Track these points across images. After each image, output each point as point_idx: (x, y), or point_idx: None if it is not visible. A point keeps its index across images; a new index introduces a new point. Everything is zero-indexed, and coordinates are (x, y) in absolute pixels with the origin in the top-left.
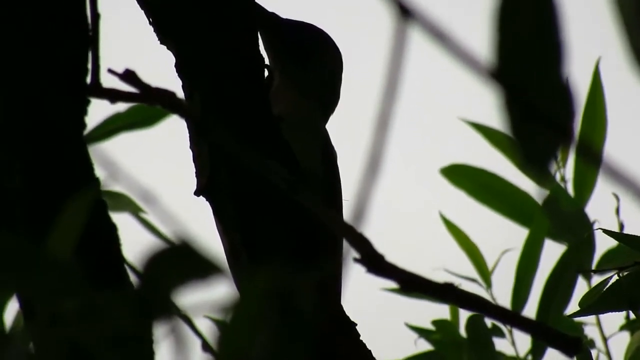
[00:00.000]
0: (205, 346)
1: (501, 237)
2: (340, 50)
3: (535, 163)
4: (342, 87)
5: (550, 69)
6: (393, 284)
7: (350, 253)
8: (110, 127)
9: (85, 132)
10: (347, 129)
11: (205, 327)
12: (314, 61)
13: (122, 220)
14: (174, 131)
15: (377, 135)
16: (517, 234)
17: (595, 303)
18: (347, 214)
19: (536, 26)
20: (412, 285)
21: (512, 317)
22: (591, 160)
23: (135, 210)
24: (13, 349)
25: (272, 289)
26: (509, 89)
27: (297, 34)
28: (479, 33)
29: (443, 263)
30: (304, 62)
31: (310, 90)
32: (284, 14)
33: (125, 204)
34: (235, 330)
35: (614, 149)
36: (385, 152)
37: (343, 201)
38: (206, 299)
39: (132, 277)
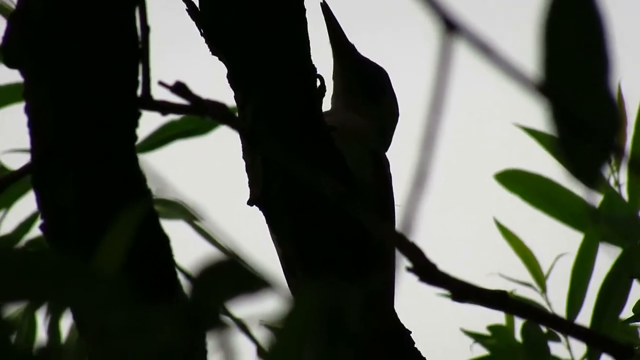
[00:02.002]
0: (260, 352)
1: (556, 242)
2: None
3: (583, 176)
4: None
5: (596, 81)
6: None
7: (402, 263)
8: (165, 135)
9: (138, 141)
10: (396, 140)
11: (259, 336)
12: (383, 101)
13: (176, 227)
14: (227, 139)
15: (424, 145)
16: (571, 239)
17: None
18: (399, 222)
19: (582, 38)
20: (464, 294)
21: (564, 325)
22: None
23: (189, 218)
24: None
25: (322, 302)
26: (556, 101)
27: (372, 71)
28: (525, 46)
29: (498, 268)
30: (376, 99)
31: (373, 120)
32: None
33: (179, 211)
34: (285, 342)
35: None
36: (433, 163)
37: (396, 209)
38: (257, 312)
39: (185, 286)
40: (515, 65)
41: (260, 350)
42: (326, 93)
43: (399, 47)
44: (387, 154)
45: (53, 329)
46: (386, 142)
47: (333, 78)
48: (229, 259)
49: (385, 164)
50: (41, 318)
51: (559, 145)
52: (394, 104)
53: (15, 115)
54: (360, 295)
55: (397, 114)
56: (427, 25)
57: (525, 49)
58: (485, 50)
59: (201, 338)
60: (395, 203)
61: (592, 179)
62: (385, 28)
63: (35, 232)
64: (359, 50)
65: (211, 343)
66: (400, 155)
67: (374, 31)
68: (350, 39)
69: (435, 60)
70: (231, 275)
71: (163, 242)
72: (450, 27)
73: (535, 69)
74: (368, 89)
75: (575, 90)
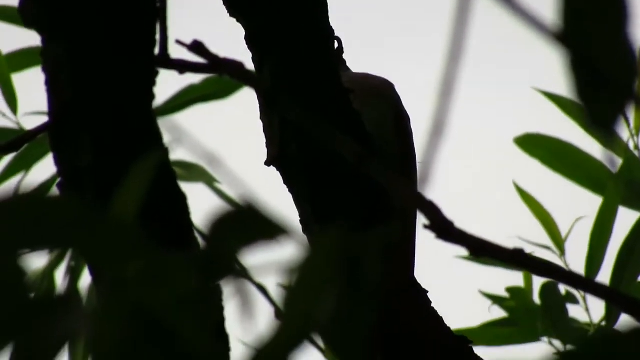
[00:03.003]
0: (279, 314)
1: (575, 205)
2: None
3: (600, 124)
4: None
5: (614, 30)
6: (466, 252)
7: (420, 220)
8: (185, 99)
9: (160, 103)
10: (413, 95)
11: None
12: None
13: (197, 190)
14: (248, 103)
15: (441, 99)
16: (590, 202)
17: None
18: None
19: None
20: (482, 251)
21: (582, 282)
22: None
23: (209, 181)
24: (72, 309)
25: (340, 249)
26: (574, 50)
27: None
28: None
29: (517, 231)
30: None
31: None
32: None
33: (199, 174)
34: (301, 291)
35: None
36: (450, 116)
37: (417, 166)
38: (274, 260)
39: (201, 244)
40: (533, 13)
41: (278, 312)
42: (344, 55)
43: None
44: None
45: (71, 285)
46: None
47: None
48: (245, 207)
49: (407, 121)
50: (59, 277)
51: (577, 94)
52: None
53: (35, 79)
54: (377, 244)
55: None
56: None
57: None
58: None
59: (217, 286)
60: (416, 161)
61: (610, 128)
62: None
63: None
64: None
65: (227, 290)
66: (420, 107)
67: None
68: None
69: (454, 9)
70: (247, 222)
71: (179, 199)
72: None
73: (554, 18)
74: None
75: (593, 39)
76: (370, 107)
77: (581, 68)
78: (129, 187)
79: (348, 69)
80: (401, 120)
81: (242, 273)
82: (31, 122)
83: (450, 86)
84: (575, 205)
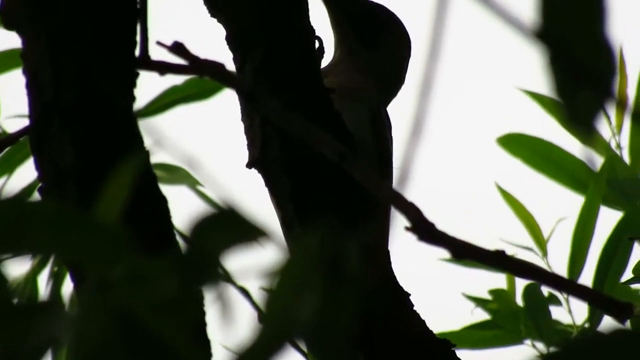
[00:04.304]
0: (261, 317)
1: (557, 205)
2: (410, 36)
3: (579, 121)
4: (407, 73)
5: (592, 27)
6: (448, 254)
7: (401, 223)
8: (167, 100)
9: (142, 104)
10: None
11: (258, 295)
12: (384, 44)
13: (178, 192)
14: (229, 104)
15: (421, 99)
16: (573, 203)
17: None
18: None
19: None
20: (463, 253)
21: (564, 284)
22: None
23: (191, 184)
24: (54, 315)
25: (321, 251)
26: (553, 49)
27: (371, 14)
28: None
29: (499, 232)
30: (374, 43)
31: (374, 70)
32: None
33: (181, 176)
34: (283, 294)
35: None
36: (429, 116)
37: (393, 172)
38: (256, 263)
39: (182, 246)
40: (512, 11)
41: (261, 315)
42: (325, 55)
43: None
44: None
45: (54, 290)
46: (395, 87)
47: (320, 40)
48: (225, 210)
49: (386, 125)
50: (43, 283)
51: (556, 91)
52: (399, 43)
53: (16, 82)
54: (358, 245)
55: (406, 50)
56: None
57: None
58: None
59: (199, 290)
60: (393, 166)
61: (589, 125)
62: None
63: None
64: None
65: (209, 295)
66: (401, 106)
67: None
68: None
69: (433, 7)
70: (228, 226)
71: (161, 201)
72: None
73: (532, 15)
74: (362, 35)
75: (572, 36)
76: (349, 110)
77: (560, 66)
78: (111, 190)
79: (329, 68)
80: (380, 120)
81: (224, 276)
82: (14, 125)
83: (430, 85)
84: (559, 205)
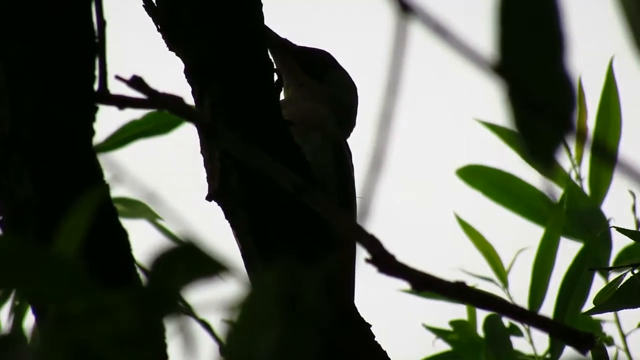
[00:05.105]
0: (223, 350)
1: (517, 236)
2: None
3: (539, 155)
4: (356, 116)
5: (550, 60)
6: (408, 285)
7: (361, 254)
8: (127, 134)
9: (102, 139)
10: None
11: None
12: (330, 77)
13: (138, 227)
14: (189, 138)
15: (380, 132)
16: (532, 234)
17: (610, 300)
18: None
19: (537, 18)
20: (424, 284)
21: (525, 315)
22: (606, 158)
23: (151, 217)
24: (15, 349)
25: (281, 285)
26: (512, 82)
27: (311, 54)
28: (480, 27)
29: (459, 263)
30: (320, 77)
31: (329, 99)
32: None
33: (141, 210)
34: (244, 327)
35: (629, 147)
36: (389, 149)
37: (356, 201)
38: (217, 297)
39: (143, 280)
40: (470, 45)
41: (222, 349)
42: (283, 89)
43: (355, 29)
44: (352, 133)
45: (16, 324)
46: (349, 121)
47: (279, 74)
48: (186, 244)
49: (346, 154)
50: (4, 317)
51: (515, 125)
52: (344, 77)
53: None
54: (317, 278)
55: (352, 87)
56: (383, 7)
57: (481, 29)
58: (440, 31)
59: (160, 323)
60: (356, 195)
61: (549, 158)
62: (340, 10)
63: None
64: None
65: (170, 328)
66: (360, 140)
67: (330, 14)
68: (307, 22)
69: (391, 42)
70: (189, 259)
71: (121, 235)
72: (405, 8)
73: (490, 49)
74: (310, 70)
75: (530, 70)
76: (309, 141)
77: (519, 100)
78: (71, 224)
79: (287, 99)
80: (340, 148)
81: (185, 309)
82: None
83: (390, 119)
84: (519, 236)
